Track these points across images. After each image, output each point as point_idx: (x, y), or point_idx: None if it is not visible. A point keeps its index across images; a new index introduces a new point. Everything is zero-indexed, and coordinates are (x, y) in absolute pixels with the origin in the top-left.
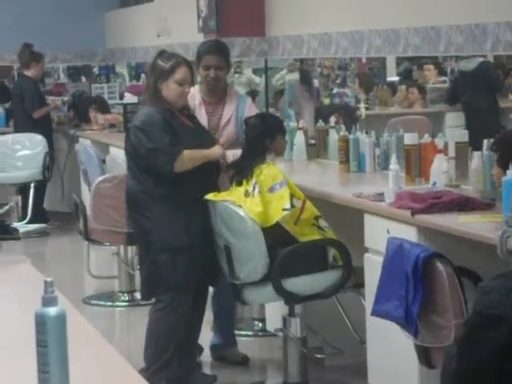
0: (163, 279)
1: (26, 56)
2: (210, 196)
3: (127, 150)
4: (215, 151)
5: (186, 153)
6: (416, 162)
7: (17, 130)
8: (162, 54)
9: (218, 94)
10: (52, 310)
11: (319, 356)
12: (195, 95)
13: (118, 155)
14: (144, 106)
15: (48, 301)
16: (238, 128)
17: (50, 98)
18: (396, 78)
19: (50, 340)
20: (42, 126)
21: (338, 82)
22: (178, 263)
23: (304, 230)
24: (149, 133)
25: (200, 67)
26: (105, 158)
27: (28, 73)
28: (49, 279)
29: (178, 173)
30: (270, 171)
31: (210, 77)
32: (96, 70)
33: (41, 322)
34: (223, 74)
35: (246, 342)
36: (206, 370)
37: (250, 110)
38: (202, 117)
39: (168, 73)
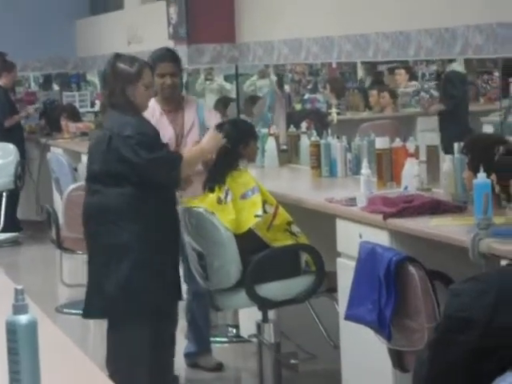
0: (135, 298)
1: None
2: (184, 203)
3: (109, 160)
4: (210, 144)
5: (186, 156)
6: (387, 166)
7: None
8: (120, 57)
9: (174, 101)
10: (23, 318)
11: (293, 361)
12: (155, 107)
13: None
14: (111, 114)
15: (18, 309)
16: (200, 133)
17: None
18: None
19: (20, 348)
20: (14, 136)
21: (309, 87)
22: (154, 283)
23: (277, 236)
24: (145, 144)
25: (155, 76)
26: (76, 167)
27: None
28: (19, 287)
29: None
30: (242, 178)
31: (166, 84)
32: (67, 78)
33: (11, 330)
34: (178, 80)
35: (220, 349)
36: (181, 379)
37: (211, 114)
38: (166, 126)
39: (136, 77)
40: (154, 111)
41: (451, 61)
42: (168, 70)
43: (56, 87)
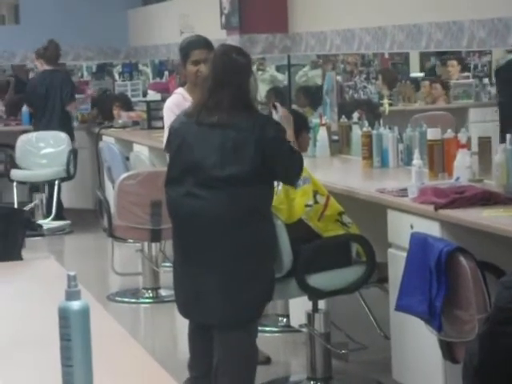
0: (268, 297)
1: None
2: None
3: (250, 163)
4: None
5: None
6: (439, 157)
7: (38, 128)
8: (237, 49)
9: None
10: (75, 304)
11: (343, 351)
12: (184, 96)
13: (141, 152)
14: (236, 110)
15: (71, 295)
16: None
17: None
18: (419, 74)
19: (73, 334)
20: (65, 125)
21: (361, 78)
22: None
23: (328, 226)
24: (284, 140)
25: (188, 63)
26: (128, 156)
27: (58, 67)
28: (72, 273)
29: None
30: None
31: (200, 71)
32: (119, 68)
33: (64, 316)
34: None
35: (270, 338)
36: None
37: None
38: None
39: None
40: (183, 102)
41: None
42: (202, 57)
43: (106, 76)
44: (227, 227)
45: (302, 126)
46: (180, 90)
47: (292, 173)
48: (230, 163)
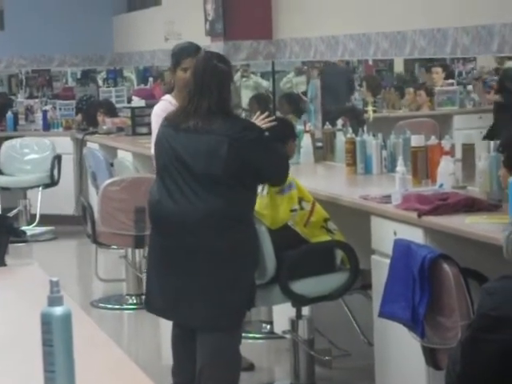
0: (248, 304)
1: None
2: None
3: (227, 167)
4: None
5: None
6: (423, 164)
7: None
8: (218, 56)
9: None
10: (57, 310)
11: (327, 358)
12: (171, 102)
13: (125, 158)
14: (215, 116)
15: (53, 300)
16: None
17: (58, 102)
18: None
19: (55, 339)
20: None
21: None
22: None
23: (314, 232)
24: (266, 141)
25: (178, 70)
26: (113, 162)
27: None
28: (54, 279)
29: None
30: None
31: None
32: (104, 74)
33: (46, 322)
34: None
35: (253, 345)
36: None
37: None
38: None
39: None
40: (170, 108)
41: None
42: (192, 65)
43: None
44: (204, 231)
45: (289, 134)
46: (167, 97)
47: (280, 173)
48: (204, 168)
